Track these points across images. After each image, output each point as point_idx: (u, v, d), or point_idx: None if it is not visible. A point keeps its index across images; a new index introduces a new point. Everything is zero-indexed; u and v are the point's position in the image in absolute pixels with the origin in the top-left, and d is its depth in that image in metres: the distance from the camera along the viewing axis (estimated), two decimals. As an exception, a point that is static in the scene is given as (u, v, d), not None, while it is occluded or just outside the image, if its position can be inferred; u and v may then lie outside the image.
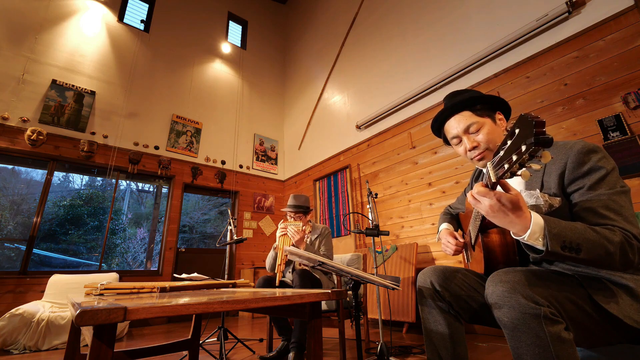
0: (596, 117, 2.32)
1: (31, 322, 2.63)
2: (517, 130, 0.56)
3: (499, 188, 0.70)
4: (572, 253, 0.70)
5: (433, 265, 3.37)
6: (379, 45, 4.47)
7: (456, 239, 1.14)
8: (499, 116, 1.02)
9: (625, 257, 0.71)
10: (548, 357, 0.66)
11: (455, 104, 1.01)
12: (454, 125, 1.02)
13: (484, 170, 1.08)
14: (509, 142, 0.59)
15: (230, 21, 6.51)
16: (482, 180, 0.74)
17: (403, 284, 3.09)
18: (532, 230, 0.70)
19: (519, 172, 0.58)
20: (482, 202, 0.72)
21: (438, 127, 1.11)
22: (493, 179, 0.66)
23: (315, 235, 2.34)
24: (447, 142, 1.12)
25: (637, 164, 2.08)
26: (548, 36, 2.67)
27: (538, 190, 0.87)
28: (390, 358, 1.88)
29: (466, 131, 0.99)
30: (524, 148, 0.53)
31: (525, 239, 0.71)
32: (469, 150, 1.00)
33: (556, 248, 0.69)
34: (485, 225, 0.94)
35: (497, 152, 0.63)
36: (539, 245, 0.71)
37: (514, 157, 0.56)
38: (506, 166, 0.59)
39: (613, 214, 0.75)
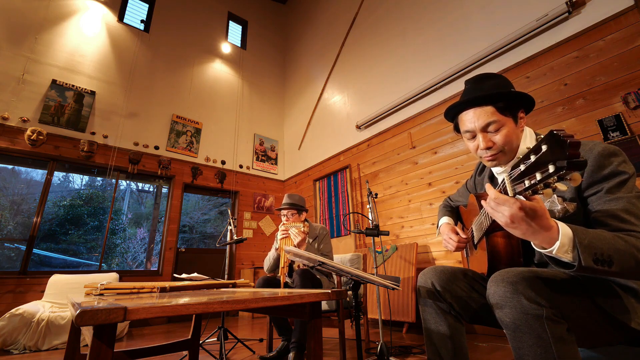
0: (596, 117, 2.32)
1: (31, 322, 2.63)
2: (544, 147, 0.51)
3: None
4: (604, 267, 0.63)
5: (433, 265, 3.36)
6: (379, 45, 4.46)
7: (457, 234, 1.13)
8: (521, 114, 0.93)
9: None
10: (550, 358, 0.66)
11: (478, 97, 0.90)
12: (472, 119, 0.91)
13: (498, 180, 1.04)
14: (532, 158, 0.53)
15: (230, 21, 6.50)
16: (492, 185, 0.69)
17: (403, 284, 3.09)
18: (561, 243, 0.63)
19: (541, 192, 0.54)
20: (500, 211, 0.64)
21: (453, 115, 1.01)
22: (510, 194, 0.62)
23: (313, 238, 2.30)
24: (457, 129, 1.03)
25: (637, 164, 2.08)
26: (548, 36, 2.67)
27: (555, 195, 0.83)
28: (390, 358, 1.88)
29: (484, 129, 0.90)
30: (552, 169, 0.49)
31: (553, 252, 0.64)
32: (482, 149, 0.92)
33: (589, 262, 0.62)
34: (493, 228, 0.91)
35: (517, 165, 0.58)
36: (567, 258, 0.64)
37: (539, 176, 0.52)
38: (527, 183, 0.56)
39: (634, 218, 0.71)
